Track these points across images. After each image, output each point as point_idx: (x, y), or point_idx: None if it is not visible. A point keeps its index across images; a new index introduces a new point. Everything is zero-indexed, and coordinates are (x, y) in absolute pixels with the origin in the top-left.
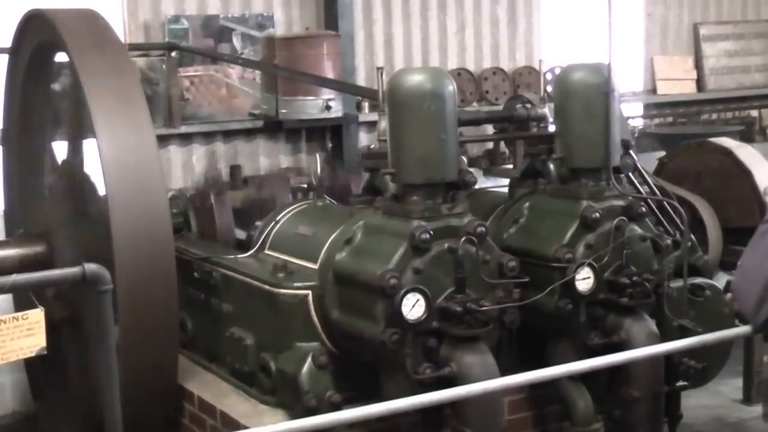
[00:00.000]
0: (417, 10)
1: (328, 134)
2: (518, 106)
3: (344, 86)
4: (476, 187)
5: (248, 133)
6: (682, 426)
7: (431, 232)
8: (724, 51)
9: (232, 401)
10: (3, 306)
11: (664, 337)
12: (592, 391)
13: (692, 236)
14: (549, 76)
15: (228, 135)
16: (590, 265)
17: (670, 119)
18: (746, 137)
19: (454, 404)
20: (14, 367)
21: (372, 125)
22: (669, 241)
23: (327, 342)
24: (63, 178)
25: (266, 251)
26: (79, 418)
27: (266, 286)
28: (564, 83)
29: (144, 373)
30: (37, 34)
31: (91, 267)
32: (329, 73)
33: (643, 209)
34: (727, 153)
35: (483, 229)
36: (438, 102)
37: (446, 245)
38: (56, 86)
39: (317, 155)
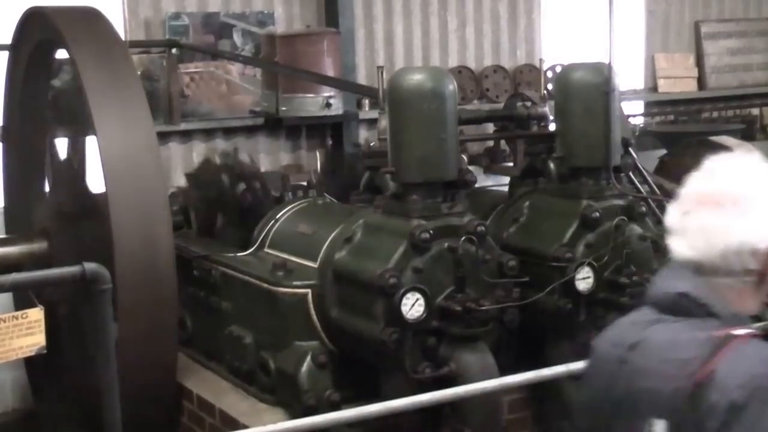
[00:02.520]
0: (418, 7)
1: (329, 132)
2: (519, 104)
3: (344, 84)
4: (476, 185)
5: (249, 131)
6: None
7: (431, 231)
8: (725, 49)
9: (231, 400)
10: (3, 304)
11: None
12: None
13: None
14: (550, 74)
15: (228, 132)
16: (590, 265)
17: (671, 117)
18: (747, 136)
19: (453, 404)
20: (14, 364)
21: (372, 123)
22: None
23: (326, 341)
24: (62, 175)
25: (266, 249)
26: (78, 415)
27: (266, 285)
28: (565, 82)
29: (143, 370)
30: (38, 31)
31: (90, 266)
32: (330, 71)
33: (644, 209)
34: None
35: (483, 228)
36: (438, 101)
37: (446, 244)
38: (56, 83)
39: (317, 153)
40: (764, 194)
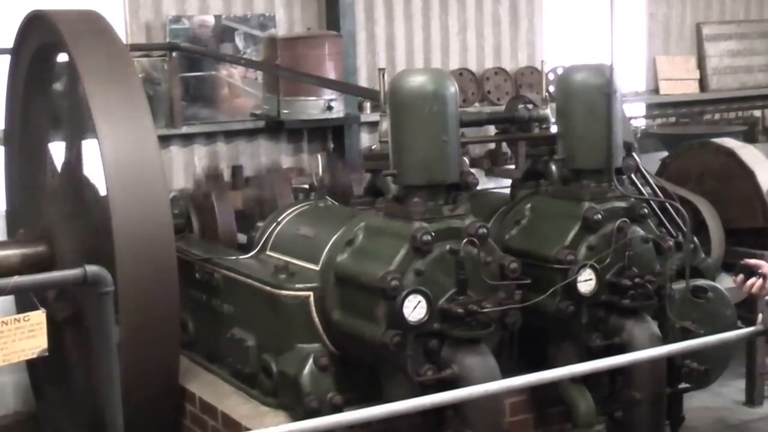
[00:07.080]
0: (419, 10)
1: (330, 135)
2: (520, 106)
3: (346, 87)
4: (478, 187)
5: (250, 134)
6: (684, 428)
7: (433, 234)
8: (727, 51)
9: (234, 402)
10: (5, 307)
11: (666, 339)
12: (593, 392)
13: (695, 238)
14: (551, 77)
15: (229, 135)
16: (592, 267)
17: (672, 119)
18: (749, 137)
19: (455, 406)
20: (16, 367)
21: (374, 125)
22: (671, 243)
23: (328, 343)
24: (64, 179)
25: (268, 252)
26: (81, 418)
27: (268, 288)
28: (566, 84)
29: (145, 373)
30: (39, 35)
31: (92, 268)
32: (331, 74)
33: (645, 210)
34: (730, 153)
35: (484, 230)
36: (440, 103)
37: (448, 247)
38: (58, 87)
39: (318, 156)
40: None
